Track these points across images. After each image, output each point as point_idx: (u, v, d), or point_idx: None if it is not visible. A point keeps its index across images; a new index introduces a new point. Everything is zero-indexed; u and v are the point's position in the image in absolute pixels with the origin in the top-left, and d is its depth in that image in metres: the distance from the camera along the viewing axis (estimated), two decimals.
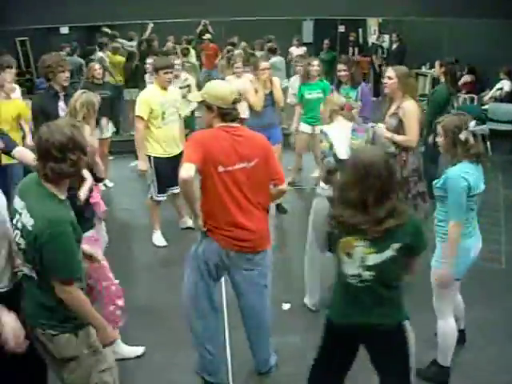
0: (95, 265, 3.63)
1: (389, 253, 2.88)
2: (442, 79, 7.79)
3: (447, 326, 3.98)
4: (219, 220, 3.71)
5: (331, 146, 4.71)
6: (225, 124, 3.70)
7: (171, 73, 6.28)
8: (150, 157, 6.29)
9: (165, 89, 6.25)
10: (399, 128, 5.23)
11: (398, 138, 5.21)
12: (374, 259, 2.89)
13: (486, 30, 10.95)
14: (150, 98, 6.20)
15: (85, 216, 4.00)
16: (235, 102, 3.72)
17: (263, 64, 7.04)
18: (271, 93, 7.00)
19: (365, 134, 4.92)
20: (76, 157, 2.78)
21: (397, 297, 3.06)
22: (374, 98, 5.96)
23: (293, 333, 4.76)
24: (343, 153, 4.67)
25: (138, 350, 4.47)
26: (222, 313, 4.73)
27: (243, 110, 7.22)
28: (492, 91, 11.31)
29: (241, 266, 3.85)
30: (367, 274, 2.92)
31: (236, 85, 7.90)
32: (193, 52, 12.53)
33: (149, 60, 8.95)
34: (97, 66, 7.42)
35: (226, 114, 3.70)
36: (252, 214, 3.75)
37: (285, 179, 3.97)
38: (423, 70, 13.26)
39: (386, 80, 5.40)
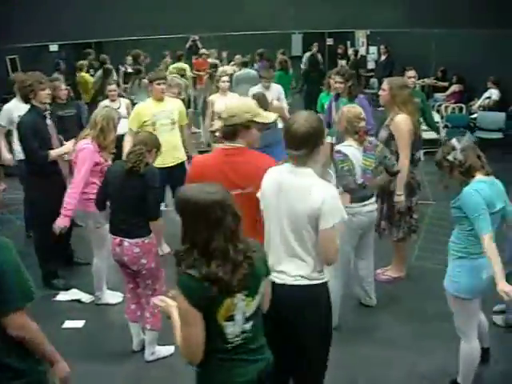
0: None
1: (259, 294, 2.61)
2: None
3: (470, 349, 3.87)
4: None
5: (353, 167, 4.66)
6: (226, 147, 3.51)
7: (164, 83, 6.40)
8: None
9: (160, 100, 6.34)
10: (389, 140, 5.26)
11: (399, 182, 5.22)
12: (251, 307, 2.58)
13: (474, 40, 11.08)
14: (141, 110, 6.32)
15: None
16: (219, 117, 3.62)
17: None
18: None
19: (375, 152, 4.84)
20: None
21: (262, 334, 2.74)
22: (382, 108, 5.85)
23: None
24: (358, 176, 4.69)
25: (171, 349, 4.57)
26: None
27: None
28: (480, 100, 11.43)
29: None
30: (249, 326, 2.58)
31: (219, 104, 7.98)
32: (185, 66, 12.59)
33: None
34: (62, 85, 7.40)
35: (226, 133, 3.49)
36: None
37: None
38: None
39: (380, 92, 5.47)
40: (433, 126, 7.77)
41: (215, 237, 2.43)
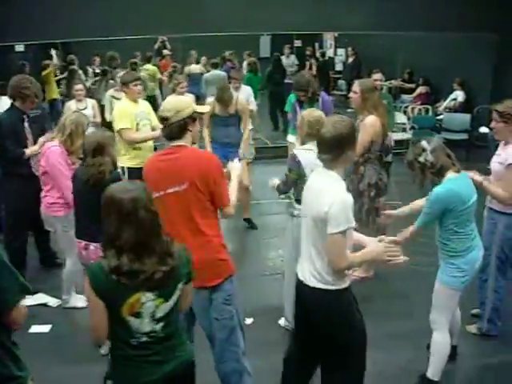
0: None
1: (176, 296, 2.62)
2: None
3: (442, 339, 3.97)
4: None
5: (300, 177, 4.54)
6: (166, 147, 3.57)
7: (140, 84, 6.42)
8: (123, 168, 6.30)
9: (136, 101, 6.36)
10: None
11: None
12: (164, 309, 2.58)
13: (440, 42, 11.23)
14: (126, 110, 6.30)
15: None
16: (163, 119, 3.47)
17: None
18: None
19: None
20: None
21: (180, 334, 2.78)
22: (351, 109, 5.90)
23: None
24: None
25: None
26: None
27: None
28: (446, 102, 11.62)
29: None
30: (160, 326, 2.59)
31: None
32: (153, 68, 12.56)
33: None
34: None
35: (171, 132, 3.48)
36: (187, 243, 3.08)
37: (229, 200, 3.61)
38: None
39: (351, 94, 5.50)
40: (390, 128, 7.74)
41: (125, 230, 2.47)
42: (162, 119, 3.46)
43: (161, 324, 2.59)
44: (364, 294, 5.53)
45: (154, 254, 2.50)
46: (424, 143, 3.82)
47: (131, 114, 6.25)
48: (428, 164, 3.77)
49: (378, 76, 7.49)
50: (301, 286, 3.37)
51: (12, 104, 5.55)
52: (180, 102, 3.52)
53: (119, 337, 2.59)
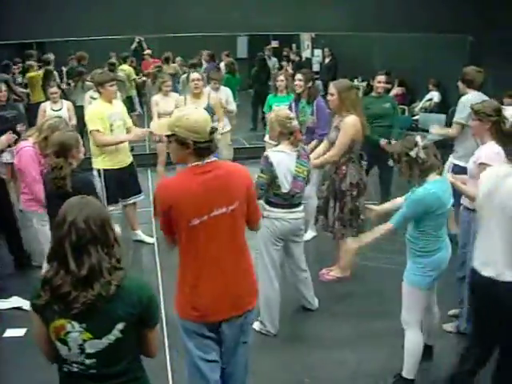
0: None
1: (112, 337, 2.32)
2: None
3: (413, 338, 3.99)
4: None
5: (273, 179, 4.56)
6: (199, 163, 3.05)
7: (115, 85, 6.43)
8: (99, 171, 6.26)
9: (110, 102, 6.34)
10: None
11: (322, 159, 5.42)
12: (95, 345, 2.32)
13: (415, 43, 11.32)
14: (99, 112, 6.26)
15: None
16: (212, 132, 3.07)
17: (193, 75, 7.12)
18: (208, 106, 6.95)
19: (309, 161, 4.85)
20: None
21: (134, 369, 2.50)
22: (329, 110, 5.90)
23: None
24: (286, 185, 4.61)
25: None
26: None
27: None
28: (422, 102, 11.71)
29: None
30: (91, 362, 2.35)
31: (163, 105, 7.97)
32: (129, 68, 12.49)
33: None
34: (2, 87, 7.32)
35: (204, 150, 3.04)
36: (233, 269, 3.17)
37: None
38: (356, 83, 13.56)
39: (329, 97, 5.46)
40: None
41: (61, 235, 2.29)
42: (212, 132, 3.07)
43: (93, 360, 2.33)
44: (341, 294, 5.59)
45: (78, 280, 2.25)
46: (418, 138, 3.81)
47: (104, 116, 6.21)
48: (419, 160, 3.74)
49: (381, 78, 7.23)
50: (490, 285, 3.42)
51: None
52: (206, 120, 3.08)
53: (57, 357, 2.40)
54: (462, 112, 5.72)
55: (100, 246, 2.29)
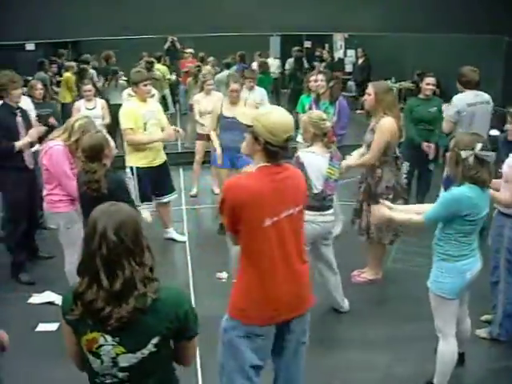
0: None
1: (146, 352, 2.27)
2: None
3: (448, 349, 3.88)
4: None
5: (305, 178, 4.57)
6: (268, 164, 3.05)
7: (150, 84, 6.46)
8: (132, 168, 6.33)
9: (145, 101, 6.38)
10: None
11: (358, 162, 5.34)
12: (128, 360, 2.28)
13: (450, 44, 11.17)
14: (132, 110, 6.33)
15: None
16: (288, 140, 3.03)
17: (233, 86, 6.80)
18: None
19: (341, 163, 4.84)
20: None
21: (168, 381, 2.50)
22: (360, 111, 5.90)
23: None
24: (318, 186, 4.61)
25: None
26: None
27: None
28: None
29: None
30: (124, 375, 2.31)
31: (205, 104, 8.02)
32: (163, 68, 12.60)
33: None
34: (38, 85, 7.45)
35: (274, 153, 3.03)
36: (298, 272, 3.20)
37: None
38: (389, 83, 13.48)
39: (365, 96, 5.39)
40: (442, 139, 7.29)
41: (92, 249, 2.21)
42: (287, 139, 3.03)
43: (126, 373, 2.30)
44: (372, 296, 5.55)
45: (111, 296, 2.18)
46: (479, 144, 3.57)
47: (137, 115, 6.27)
48: (466, 164, 3.57)
49: (430, 80, 7.10)
50: None
51: (2, 102, 5.67)
52: (289, 120, 3.09)
53: (88, 370, 2.37)
54: (450, 110, 6.13)
55: (132, 258, 2.22)
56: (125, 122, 6.28)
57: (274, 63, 13.63)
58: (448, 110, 5.98)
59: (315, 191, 4.59)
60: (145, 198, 6.40)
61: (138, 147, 6.31)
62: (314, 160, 4.58)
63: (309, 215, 4.59)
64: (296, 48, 13.64)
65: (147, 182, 6.37)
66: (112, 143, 4.97)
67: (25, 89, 8.69)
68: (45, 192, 5.18)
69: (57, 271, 5.61)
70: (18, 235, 5.85)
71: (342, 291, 5.19)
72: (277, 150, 3.01)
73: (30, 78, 9.79)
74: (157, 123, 6.40)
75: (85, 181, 4.36)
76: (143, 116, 6.29)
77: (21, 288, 5.74)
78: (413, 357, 4.51)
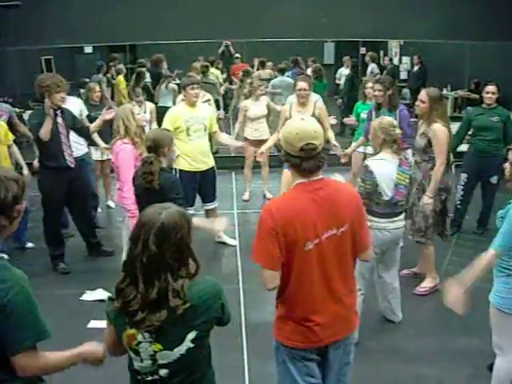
0: None
1: (183, 348, 2.30)
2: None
3: (504, 365, 3.73)
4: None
5: (374, 187, 4.53)
6: (304, 181, 2.88)
7: (197, 88, 6.43)
8: (175, 170, 6.37)
9: (193, 105, 6.39)
10: (427, 147, 5.33)
11: (432, 185, 5.30)
12: (166, 357, 2.32)
13: (508, 52, 10.93)
14: (175, 114, 6.39)
15: None
16: (305, 150, 2.81)
17: (300, 84, 6.75)
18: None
19: (410, 169, 4.86)
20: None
21: (209, 377, 2.52)
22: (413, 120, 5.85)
23: None
24: (388, 193, 4.58)
25: None
26: None
27: None
28: None
29: None
30: (164, 372, 2.35)
31: (254, 110, 8.03)
32: (217, 72, 12.71)
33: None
34: (97, 87, 7.66)
35: (296, 166, 2.86)
36: (342, 297, 3.05)
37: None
38: (445, 92, 13.24)
39: (418, 102, 5.44)
40: None
41: (134, 253, 2.26)
42: (305, 149, 2.82)
43: (165, 371, 2.33)
44: (424, 307, 5.43)
45: (148, 296, 2.23)
46: None
47: (180, 119, 6.30)
48: None
49: (491, 88, 6.82)
50: None
51: (43, 101, 5.82)
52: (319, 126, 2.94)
53: (131, 366, 2.45)
54: None
55: (170, 272, 2.24)
56: (164, 123, 6.40)
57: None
58: None
59: (386, 198, 4.58)
60: (186, 202, 6.40)
61: (183, 150, 6.31)
62: (384, 167, 4.57)
63: (379, 222, 4.60)
64: (347, 57, 13.58)
65: (189, 185, 6.20)
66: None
67: (82, 90, 9.00)
68: (117, 185, 5.63)
69: (113, 269, 5.73)
70: (51, 233, 6.24)
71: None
72: (296, 162, 2.83)
73: (87, 79, 10.07)
74: (201, 129, 6.40)
75: (142, 172, 4.45)
76: (186, 121, 6.30)
77: (73, 286, 5.89)
78: (463, 372, 4.40)
